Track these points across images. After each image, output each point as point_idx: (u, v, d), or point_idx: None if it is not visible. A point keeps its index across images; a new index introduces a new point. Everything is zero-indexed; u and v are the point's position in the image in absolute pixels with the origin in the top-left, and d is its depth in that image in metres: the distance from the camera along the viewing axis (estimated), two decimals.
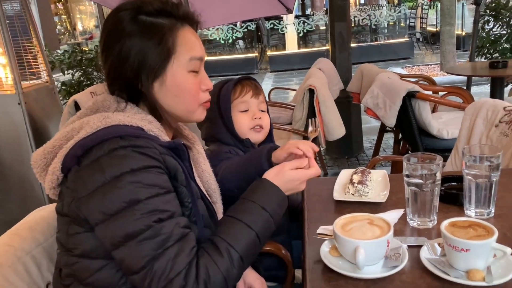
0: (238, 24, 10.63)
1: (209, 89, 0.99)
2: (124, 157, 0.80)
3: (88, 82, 4.28)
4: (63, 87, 4.19)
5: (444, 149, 2.58)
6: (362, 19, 10.81)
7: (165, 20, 0.91)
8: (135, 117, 0.89)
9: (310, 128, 1.28)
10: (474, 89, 5.92)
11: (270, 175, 0.99)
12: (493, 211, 1.11)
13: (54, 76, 3.52)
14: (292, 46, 10.89)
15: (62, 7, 13.54)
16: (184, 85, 0.93)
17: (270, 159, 1.12)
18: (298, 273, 1.48)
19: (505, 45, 4.62)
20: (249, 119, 1.40)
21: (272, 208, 0.94)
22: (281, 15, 10.65)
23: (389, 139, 4.30)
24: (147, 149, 0.83)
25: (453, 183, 1.27)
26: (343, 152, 4.02)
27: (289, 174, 0.98)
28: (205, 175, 1.10)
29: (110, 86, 0.95)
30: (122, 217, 0.79)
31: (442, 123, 2.82)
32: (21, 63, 2.97)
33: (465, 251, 0.84)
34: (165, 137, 0.91)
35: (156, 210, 0.80)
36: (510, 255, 0.86)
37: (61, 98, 3.99)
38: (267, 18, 10.90)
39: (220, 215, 1.08)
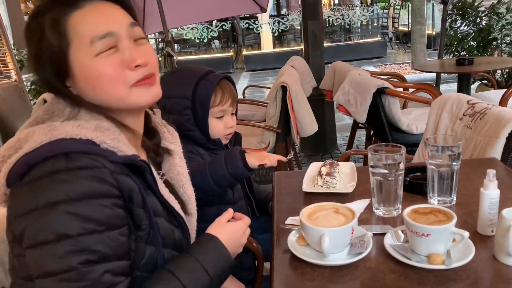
0: (213, 23, 10.61)
1: (141, 64, 0.83)
2: (65, 181, 0.72)
3: None
4: (32, 87, 4.09)
5: (413, 143, 2.63)
6: (336, 19, 10.94)
7: (52, 13, 0.80)
8: (87, 125, 0.79)
9: (290, 155, 1.32)
10: (443, 87, 6.07)
11: (213, 229, 0.93)
12: (454, 199, 1.15)
13: (25, 76, 3.44)
14: (267, 45, 10.93)
15: (32, 6, 13.24)
16: (95, 72, 0.80)
17: (245, 160, 1.25)
18: (266, 265, 1.49)
19: (472, 43, 4.76)
20: (223, 126, 1.41)
21: (216, 273, 0.87)
22: (256, 15, 10.69)
23: (362, 135, 4.37)
24: (95, 170, 0.74)
25: (417, 174, 1.31)
26: (317, 149, 4.07)
27: (231, 226, 0.95)
28: (180, 179, 1.01)
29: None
30: (46, 251, 0.71)
31: (411, 118, 2.89)
32: None
33: (425, 236, 0.87)
34: (123, 147, 0.80)
35: (86, 250, 0.71)
36: (468, 239, 0.89)
37: (31, 98, 3.90)
38: (242, 18, 10.92)
39: (193, 227, 1.03)
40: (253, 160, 1.27)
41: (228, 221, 0.97)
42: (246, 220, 0.99)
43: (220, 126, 1.39)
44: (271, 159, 1.29)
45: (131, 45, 0.83)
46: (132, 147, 0.85)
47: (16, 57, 3.80)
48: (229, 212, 0.98)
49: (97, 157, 0.75)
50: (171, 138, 1.03)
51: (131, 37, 0.83)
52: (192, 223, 1.02)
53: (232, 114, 1.43)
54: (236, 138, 1.51)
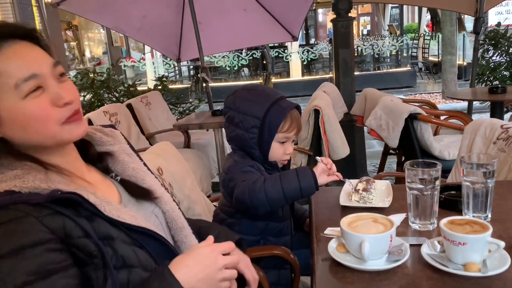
0: (243, 52, 10.89)
1: (68, 102, 0.82)
2: None
3: (99, 103, 4.41)
4: None
5: (445, 169, 2.65)
6: (365, 48, 11.05)
7: None
8: (7, 175, 0.78)
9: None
10: (475, 117, 6.01)
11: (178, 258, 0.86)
12: (489, 215, 1.19)
13: None
14: (296, 73, 11.10)
15: (71, 34, 13.91)
16: (25, 115, 0.79)
17: (315, 178, 1.30)
18: (305, 279, 1.54)
19: (505, 73, 4.75)
20: (283, 152, 1.46)
21: None
22: (286, 44, 10.92)
23: (392, 163, 4.37)
24: (18, 221, 0.72)
25: (452, 192, 1.35)
26: (347, 174, 4.06)
27: (197, 250, 0.85)
28: (138, 173, 1.00)
29: None
30: None
31: (443, 145, 2.90)
32: None
33: (462, 245, 0.91)
34: (46, 184, 0.79)
35: None
36: (503, 249, 0.93)
37: None
38: (272, 47, 11.17)
39: (173, 207, 1.02)
40: (321, 179, 1.32)
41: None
42: (222, 245, 0.88)
43: (280, 151, 1.45)
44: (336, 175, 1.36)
45: (57, 84, 0.83)
46: (62, 179, 0.83)
47: None
48: (209, 239, 0.89)
49: (18, 206, 0.73)
50: (110, 140, 1.01)
51: (55, 76, 0.83)
52: (168, 203, 1.01)
53: (292, 141, 1.48)
54: (288, 162, 1.58)
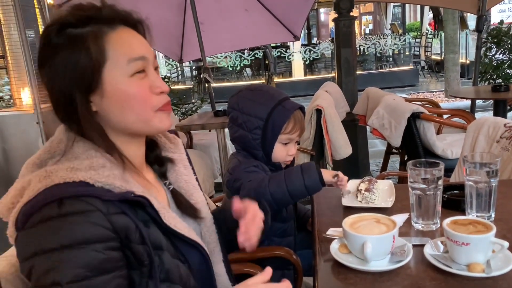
0: (245, 52, 10.89)
1: (164, 91, 0.87)
2: (58, 228, 0.73)
3: None
4: None
5: (448, 168, 2.64)
6: (367, 48, 11.03)
7: (91, 27, 0.82)
8: (81, 166, 0.79)
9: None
10: (478, 115, 5.99)
11: None
12: (493, 215, 1.18)
13: None
14: (298, 73, 11.10)
15: None
16: (128, 92, 0.83)
17: (321, 174, 1.30)
18: (308, 280, 1.53)
19: (508, 71, 4.73)
20: (286, 153, 1.46)
21: None
22: (288, 44, 10.92)
23: (395, 162, 4.36)
24: (87, 214, 0.74)
25: (455, 191, 1.34)
26: (350, 174, 4.06)
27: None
28: (189, 187, 1.01)
29: (56, 112, 0.85)
30: None
31: (446, 143, 2.89)
32: (41, 85, 3.10)
33: (465, 245, 0.91)
34: (119, 182, 0.80)
35: None
36: (507, 249, 0.92)
37: None
38: (274, 47, 11.17)
39: (210, 229, 1.02)
40: (327, 175, 1.31)
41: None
42: (279, 286, 0.88)
43: (283, 152, 1.45)
44: (345, 182, 1.34)
45: (156, 72, 0.88)
46: (131, 179, 0.84)
47: None
48: (267, 273, 0.87)
49: (90, 199, 0.75)
50: (173, 147, 1.03)
51: (154, 66, 0.88)
52: (208, 226, 1.02)
53: (295, 142, 1.48)
54: (291, 162, 1.58)
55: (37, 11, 3.34)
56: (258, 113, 1.39)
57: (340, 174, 1.34)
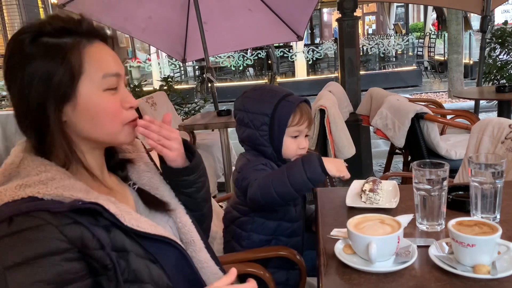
0: (248, 52, 10.89)
1: (133, 106, 0.90)
2: (10, 247, 0.72)
3: None
4: None
5: (452, 169, 2.63)
6: (371, 48, 11.01)
7: (68, 39, 0.83)
8: (32, 179, 0.79)
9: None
10: (481, 116, 5.98)
11: None
12: (498, 216, 1.17)
13: None
14: (301, 73, 11.09)
15: None
16: (100, 106, 0.84)
17: (323, 165, 1.27)
18: (312, 280, 1.53)
19: None
20: (296, 146, 1.44)
21: None
22: (291, 44, 10.91)
23: (398, 162, 4.35)
24: (37, 229, 0.73)
25: (460, 192, 1.33)
26: (353, 174, 4.05)
27: None
28: (153, 182, 1.02)
29: (19, 122, 0.85)
30: None
31: (450, 144, 2.88)
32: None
33: (471, 246, 0.90)
34: (69, 192, 0.79)
35: None
36: None
37: None
38: (277, 47, 11.15)
39: (186, 219, 1.02)
40: (330, 165, 1.28)
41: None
42: (242, 286, 0.84)
43: (293, 145, 1.43)
44: (347, 173, 1.31)
45: (126, 88, 0.91)
46: (85, 187, 0.84)
47: None
48: (232, 274, 0.83)
49: (39, 213, 0.74)
50: (130, 148, 1.04)
51: (124, 82, 0.91)
52: (180, 217, 1.01)
53: (306, 135, 1.47)
54: None
55: (41, 11, 3.35)
56: (263, 109, 1.39)
57: (346, 176, 1.31)
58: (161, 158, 1.00)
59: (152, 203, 0.99)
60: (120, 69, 0.88)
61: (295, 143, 1.44)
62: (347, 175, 1.30)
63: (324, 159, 1.29)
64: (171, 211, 1.00)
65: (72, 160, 0.85)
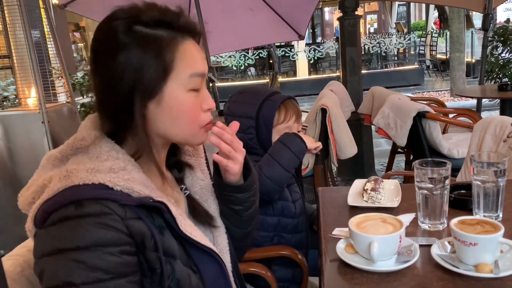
0: (250, 51, 10.89)
1: (211, 109, 0.88)
2: (74, 229, 0.72)
3: None
4: (82, 109, 4.34)
5: (455, 168, 2.62)
6: (372, 47, 11.00)
7: (164, 32, 0.80)
8: (103, 165, 0.78)
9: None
10: (484, 114, 5.96)
11: None
12: (501, 215, 1.17)
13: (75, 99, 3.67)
14: (303, 72, 11.09)
15: (79, 36, 13.99)
16: (183, 106, 0.82)
17: (300, 137, 1.38)
18: (314, 280, 1.52)
19: None
20: None
21: None
22: (292, 43, 10.90)
23: (400, 161, 4.34)
24: (104, 217, 0.73)
25: (462, 191, 1.33)
26: (355, 173, 4.07)
27: None
28: (204, 193, 0.99)
29: (100, 108, 0.83)
30: None
31: (452, 143, 2.88)
32: (46, 85, 3.12)
33: (473, 245, 0.90)
34: (138, 186, 0.79)
35: None
36: None
37: (81, 119, 4.13)
38: (279, 46, 11.15)
39: (223, 239, 0.98)
40: (305, 139, 1.39)
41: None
42: None
43: None
44: (320, 144, 1.43)
45: (206, 90, 0.88)
46: (151, 184, 0.83)
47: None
48: None
49: (107, 202, 0.74)
50: (191, 151, 1.01)
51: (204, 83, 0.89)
52: (220, 235, 0.99)
53: (298, 131, 1.47)
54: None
55: (42, 12, 3.35)
56: (248, 112, 1.40)
57: (317, 143, 1.43)
58: (216, 167, 0.97)
59: (200, 214, 0.95)
60: (206, 69, 0.86)
61: None
62: (320, 145, 1.42)
63: (301, 135, 1.38)
64: (215, 228, 0.97)
65: (143, 154, 0.84)
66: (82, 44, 14.27)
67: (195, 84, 0.83)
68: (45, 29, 3.36)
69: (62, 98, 3.49)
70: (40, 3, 3.28)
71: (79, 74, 4.81)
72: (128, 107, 0.80)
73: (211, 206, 0.98)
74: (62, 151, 0.82)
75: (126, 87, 0.79)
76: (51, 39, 3.30)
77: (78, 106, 4.26)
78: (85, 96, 4.54)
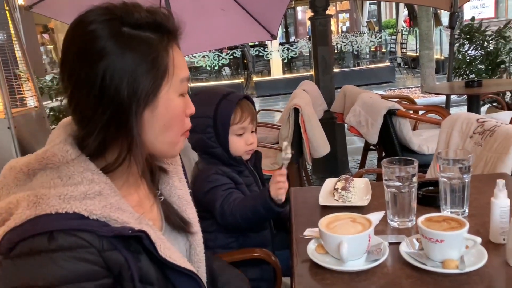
0: (223, 51, 10.85)
1: (193, 113, 0.84)
2: (47, 265, 0.66)
3: None
4: (51, 113, 4.23)
5: (425, 164, 2.68)
6: (345, 45, 11.12)
7: (153, 34, 0.75)
8: (77, 190, 0.71)
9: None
10: (453, 110, 6.10)
11: None
12: (467, 210, 1.19)
13: (43, 103, 3.58)
14: (277, 72, 11.11)
15: (48, 38, 13.66)
16: (174, 111, 0.79)
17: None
18: (287, 280, 1.53)
19: (480, 66, 4.83)
20: (244, 143, 1.48)
21: None
22: (266, 42, 10.92)
23: (373, 158, 4.40)
24: (79, 250, 0.68)
25: (430, 188, 1.35)
26: (329, 171, 4.11)
27: None
28: (182, 203, 0.94)
29: (83, 123, 0.74)
30: None
31: (422, 139, 2.93)
32: (11, 89, 3.03)
33: (439, 242, 0.91)
34: (115, 214, 0.73)
35: None
36: (480, 245, 0.93)
37: (50, 124, 4.03)
38: (252, 46, 11.16)
39: (200, 245, 0.96)
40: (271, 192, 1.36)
41: None
42: None
43: (240, 143, 1.47)
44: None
45: (187, 95, 0.84)
46: (127, 206, 0.77)
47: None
48: None
49: (83, 234, 0.68)
50: (168, 159, 0.96)
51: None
52: (197, 242, 0.96)
53: (252, 131, 1.50)
54: (257, 156, 1.59)
55: (7, 14, 3.25)
56: (205, 112, 1.42)
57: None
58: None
59: (177, 222, 0.91)
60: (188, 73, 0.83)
61: (242, 141, 1.47)
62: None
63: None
64: (192, 234, 0.94)
65: (123, 164, 0.77)
66: (52, 46, 13.93)
67: (184, 89, 0.80)
68: (12, 32, 3.26)
69: (30, 102, 3.39)
70: (5, 4, 3.19)
71: (48, 78, 4.68)
72: (120, 117, 0.73)
73: (190, 215, 0.95)
74: (29, 164, 0.74)
75: (120, 96, 0.72)
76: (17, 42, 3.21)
77: (47, 110, 4.16)
78: (54, 100, 4.42)
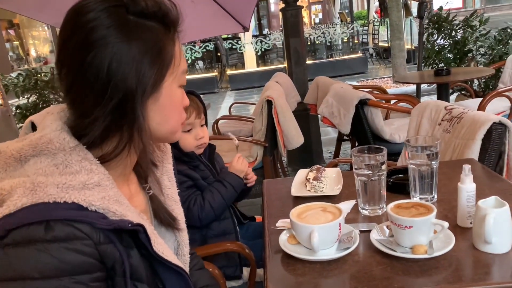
0: (196, 44, 10.74)
1: (187, 106, 0.85)
2: (41, 255, 0.64)
3: (45, 105, 4.19)
4: (18, 111, 4.10)
5: (397, 152, 2.72)
6: (317, 37, 11.17)
7: (159, 24, 0.75)
8: (76, 179, 0.70)
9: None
10: (423, 99, 6.23)
11: None
12: (435, 196, 1.21)
13: (9, 101, 3.46)
14: (251, 64, 11.08)
15: (14, 33, 13.22)
16: (175, 102, 0.79)
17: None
18: (261, 271, 1.53)
19: (449, 55, 4.92)
20: (193, 139, 1.49)
21: None
22: (239, 35, 10.86)
23: (347, 148, 4.45)
24: (75, 242, 0.66)
25: (400, 175, 1.37)
26: (304, 162, 4.14)
27: None
28: (170, 202, 0.94)
29: (89, 115, 0.71)
30: None
31: (394, 128, 2.98)
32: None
33: (408, 228, 0.92)
34: (114, 206, 0.72)
35: None
36: (448, 229, 0.94)
37: (16, 122, 3.90)
38: (226, 38, 11.08)
39: (186, 241, 0.97)
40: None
41: None
42: None
43: (190, 139, 1.48)
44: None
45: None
46: (124, 199, 0.77)
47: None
48: None
49: (81, 225, 0.67)
50: (160, 156, 0.94)
51: None
52: (183, 240, 0.97)
53: (201, 125, 1.51)
54: (210, 149, 1.59)
55: None
56: None
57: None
58: None
59: (165, 218, 0.91)
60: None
61: (191, 136, 1.48)
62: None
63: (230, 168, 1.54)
64: (178, 230, 0.94)
65: (120, 154, 0.75)
66: (18, 42, 13.49)
67: (184, 81, 0.81)
68: None
69: None
70: None
71: (13, 75, 4.53)
72: (126, 105, 0.71)
73: (178, 215, 0.94)
74: (21, 150, 0.71)
75: (127, 84, 0.71)
76: None
77: (13, 108, 4.03)
78: (20, 98, 4.28)
